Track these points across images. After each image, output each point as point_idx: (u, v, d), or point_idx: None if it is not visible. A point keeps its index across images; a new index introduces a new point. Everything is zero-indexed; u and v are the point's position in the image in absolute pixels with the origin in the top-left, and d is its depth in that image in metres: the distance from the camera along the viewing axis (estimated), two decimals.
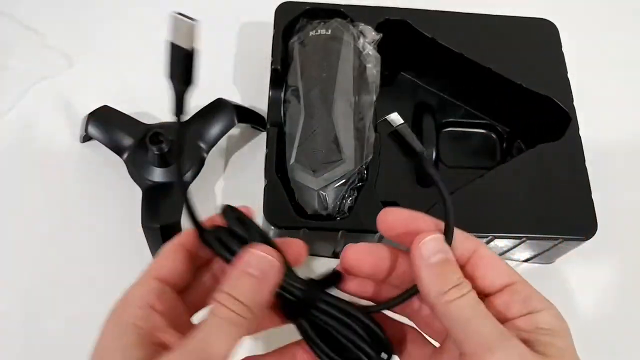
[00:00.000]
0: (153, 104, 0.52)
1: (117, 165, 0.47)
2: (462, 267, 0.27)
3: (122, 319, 0.24)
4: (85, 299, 0.44)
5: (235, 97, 0.53)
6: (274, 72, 0.45)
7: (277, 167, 0.41)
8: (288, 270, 0.27)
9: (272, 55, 0.45)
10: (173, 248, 0.27)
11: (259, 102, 0.52)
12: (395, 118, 0.28)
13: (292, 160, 0.41)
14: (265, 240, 0.27)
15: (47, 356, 0.43)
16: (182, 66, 0.26)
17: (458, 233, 0.28)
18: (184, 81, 0.26)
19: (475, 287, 0.27)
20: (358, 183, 0.41)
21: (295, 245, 0.29)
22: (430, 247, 0.26)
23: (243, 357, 0.30)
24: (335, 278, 0.29)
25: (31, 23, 0.55)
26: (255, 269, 0.25)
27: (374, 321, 0.28)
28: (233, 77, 0.55)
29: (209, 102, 0.49)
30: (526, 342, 0.24)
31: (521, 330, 0.25)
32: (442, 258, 0.26)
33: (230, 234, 0.27)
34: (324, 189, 0.40)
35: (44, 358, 0.43)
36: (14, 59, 0.54)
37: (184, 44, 0.26)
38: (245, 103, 0.52)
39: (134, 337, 0.23)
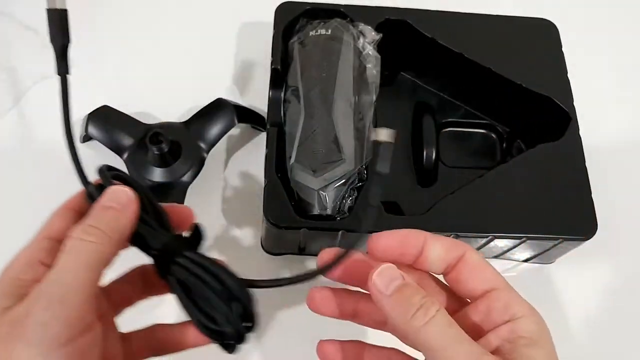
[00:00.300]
0: (153, 104, 0.52)
1: (117, 165, 0.47)
2: (448, 274, 0.28)
3: (6, 273, 0.25)
4: None
5: (235, 97, 0.53)
6: (274, 72, 0.44)
7: (277, 167, 0.41)
8: (154, 220, 0.28)
9: (272, 55, 0.45)
10: (61, 210, 0.28)
11: (259, 102, 0.52)
12: (387, 133, 0.29)
13: (292, 160, 0.41)
14: (148, 197, 0.28)
15: None
16: (60, 26, 0.29)
17: (445, 240, 0.28)
18: (62, 39, 0.29)
19: (458, 292, 0.28)
20: (358, 183, 0.41)
21: (180, 210, 0.30)
22: (383, 279, 0.26)
23: (154, 323, 0.30)
24: (196, 232, 0.29)
25: (31, 23, 0.55)
26: (113, 201, 0.26)
27: (238, 282, 0.26)
28: (233, 77, 0.55)
29: (209, 102, 0.49)
30: (507, 354, 0.25)
31: (503, 340, 0.26)
32: (398, 285, 0.26)
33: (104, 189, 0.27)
34: (324, 189, 0.40)
35: None
36: (14, 59, 0.54)
37: (57, 5, 0.29)
38: (245, 103, 0.52)
39: (8, 287, 0.25)
